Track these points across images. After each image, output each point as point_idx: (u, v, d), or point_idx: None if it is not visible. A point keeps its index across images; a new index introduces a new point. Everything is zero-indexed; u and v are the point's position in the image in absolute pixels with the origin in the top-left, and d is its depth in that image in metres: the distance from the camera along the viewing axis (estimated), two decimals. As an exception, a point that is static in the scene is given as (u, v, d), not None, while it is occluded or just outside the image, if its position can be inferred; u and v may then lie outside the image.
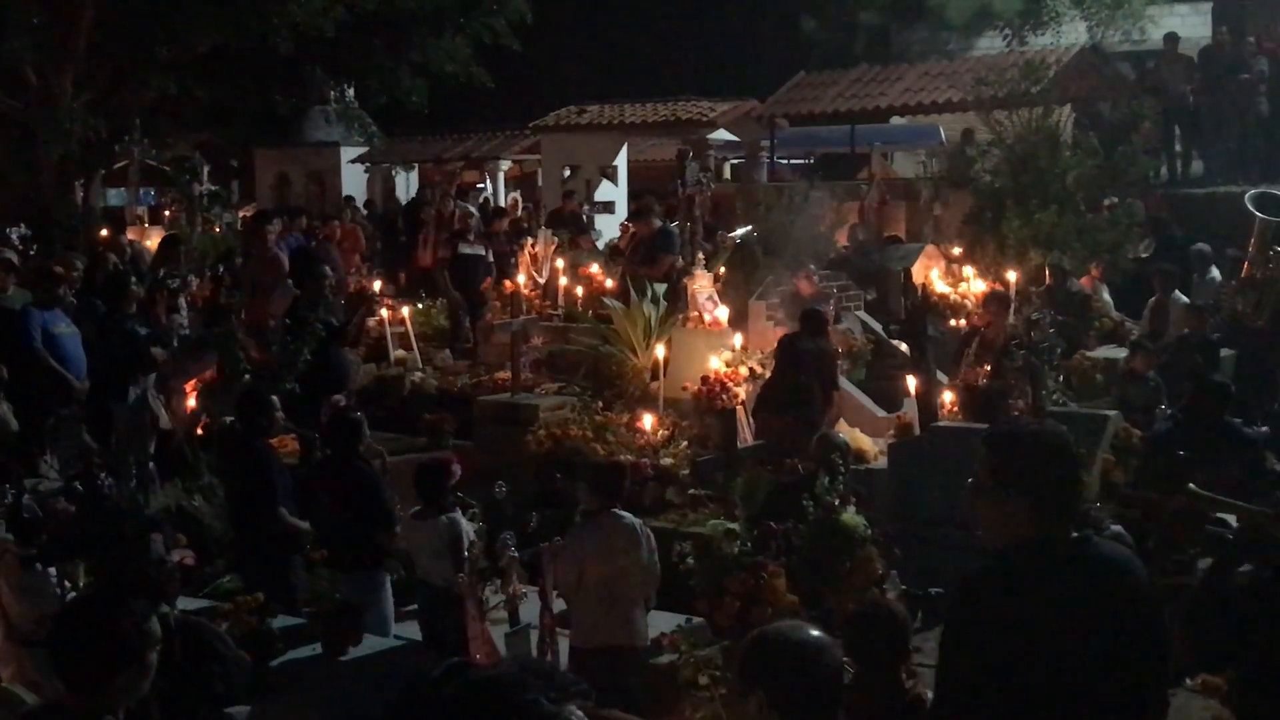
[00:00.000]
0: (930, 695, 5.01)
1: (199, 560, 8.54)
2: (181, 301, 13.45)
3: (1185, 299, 13.88)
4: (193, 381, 11.66)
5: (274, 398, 8.80)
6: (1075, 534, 3.82)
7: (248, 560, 8.41)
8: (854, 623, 5.29)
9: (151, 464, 10.26)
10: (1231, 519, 7.47)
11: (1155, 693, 3.77)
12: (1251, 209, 13.21)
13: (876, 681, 5.01)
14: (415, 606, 8.19)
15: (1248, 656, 4.50)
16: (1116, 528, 7.79)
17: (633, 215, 16.79)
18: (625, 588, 7.19)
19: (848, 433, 10.96)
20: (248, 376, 11.08)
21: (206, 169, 22.13)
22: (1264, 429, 10.63)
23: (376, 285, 15.63)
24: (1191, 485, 5.44)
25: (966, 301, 14.23)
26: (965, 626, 3.80)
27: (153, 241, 17.96)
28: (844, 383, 12.07)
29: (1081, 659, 3.63)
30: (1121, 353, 12.65)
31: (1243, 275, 13.37)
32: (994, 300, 12.41)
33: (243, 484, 8.53)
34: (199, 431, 10.95)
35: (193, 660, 5.65)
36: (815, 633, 3.71)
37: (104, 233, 17.85)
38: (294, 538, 8.38)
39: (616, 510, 7.36)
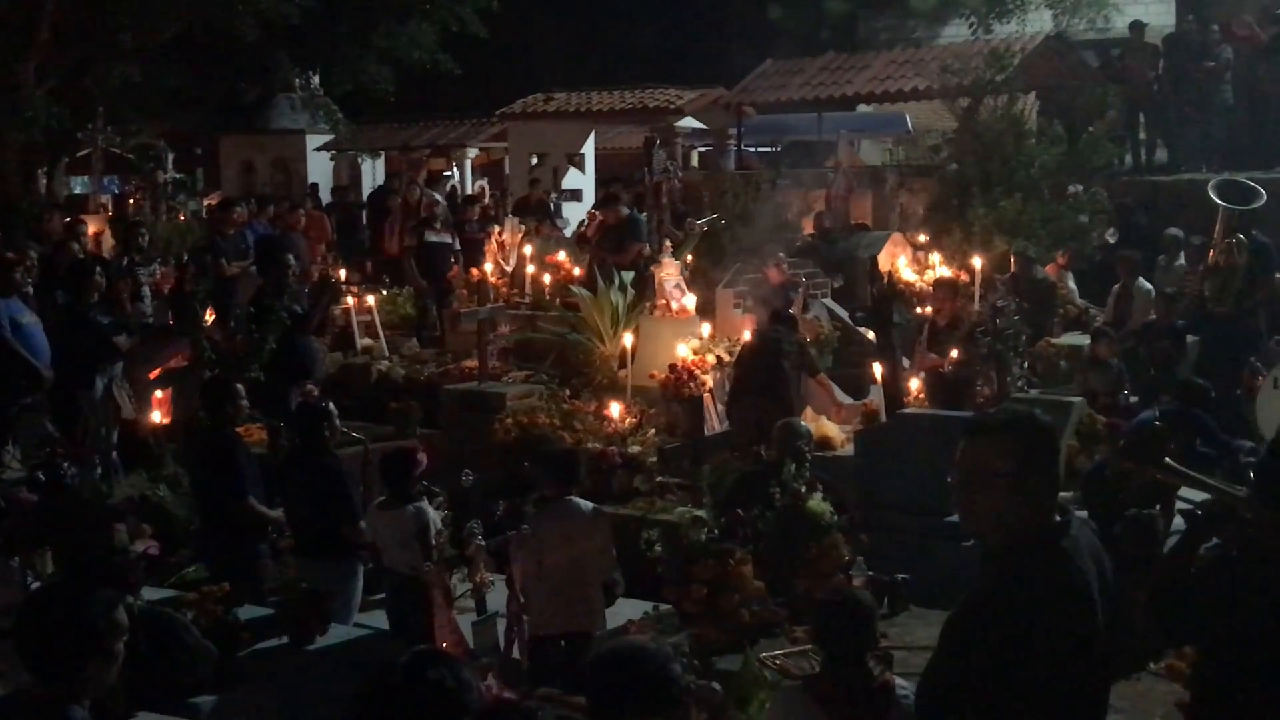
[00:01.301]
0: (899, 681, 5.05)
1: (164, 550, 8.50)
2: (145, 290, 13.37)
3: (1149, 286, 13.97)
4: (157, 370, 11.61)
5: (239, 386, 8.75)
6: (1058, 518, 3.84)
7: (214, 550, 8.38)
8: (820, 612, 5.30)
9: (115, 453, 10.20)
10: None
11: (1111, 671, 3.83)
12: (1214, 198, 13.29)
13: (844, 669, 5.04)
14: (382, 595, 8.17)
15: (1208, 636, 4.53)
16: (1081, 513, 7.87)
17: (600, 203, 16.79)
18: (583, 573, 7.21)
19: (815, 421, 11.01)
20: (211, 367, 11.01)
21: (171, 157, 22.06)
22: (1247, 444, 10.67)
23: (342, 273, 15.58)
24: (1168, 459, 5.45)
25: (932, 289, 14.28)
26: (989, 609, 3.68)
27: (115, 230, 17.81)
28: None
29: (1081, 639, 3.65)
30: (1085, 340, 12.73)
31: (1208, 262, 13.46)
32: (941, 287, 12.47)
33: (209, 473, 8.49)
34: (164, 421, 10.89)
35: (158, 650, 5.63)
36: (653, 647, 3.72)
37: (65, 221, 17.67)
38: (262, 526, 8.35)
39: (572, 497, 7.38)
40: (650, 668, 3.50)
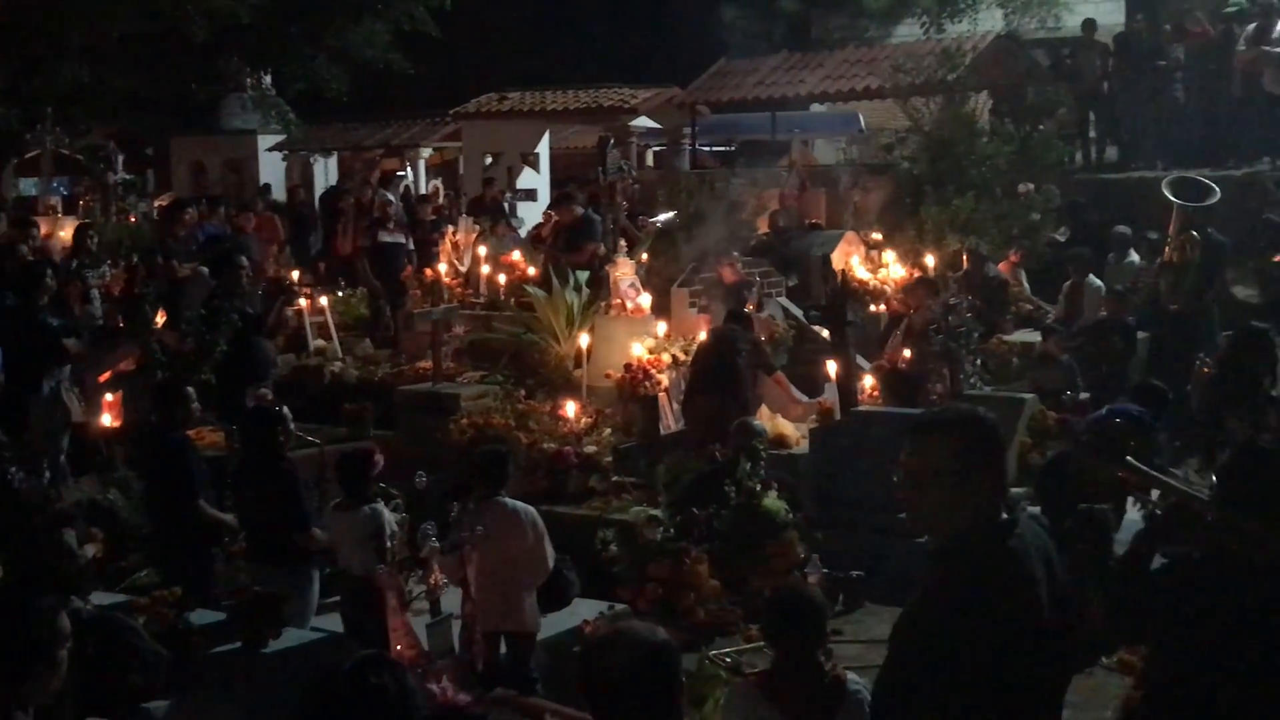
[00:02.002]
0: (850, 675, 5.06)
1: (115, 554, 8.43)
2: (94, 292, 13.24)
3: (1099, 283, 14.07)
4: (108, 374, 11.49)
5: (190, 389, 8.68)
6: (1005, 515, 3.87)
7: (166, 554, 8.31)
8: (770, 608, 5.33)
9: (63, 457, 10.10)
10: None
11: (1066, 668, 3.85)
12: (1169, 195, 13.40)
13: (795, 665, 5.05)
14: (338, 598, 8.13)
15: (1164, 637, 4.55)
16: (1034, 509, 7.91)
17: (554, 202, 16.77)
18: (512, 573, 7.21)
19: (770, 419, 11.03)
20: (161, 369, 10.91)
21: (121, 158, 21.80)
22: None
23: (294, 274, 15.48)
24: (1130, 459, 5.47)
25: (886, 287, 14.34)
26: (936, 608, 3.71)
27: (66, 232, 17.64)
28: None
29: (1030, 637, 3.67)
30: (1038, 337, 12.81)
31: (1163, 258, 13.57)
32: (922, 285, 12.52)
33: (160, 477, 8.41)
34: (115, 424, 10.79)
35: (107, 655, 5.57)
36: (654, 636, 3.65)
37: (10, 223, 17.50)
38: (214, 530, 8.28)
39: (501, 497, 7.37)
40: (655, 653, 3.50)
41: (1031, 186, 16.10)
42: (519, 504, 7.49)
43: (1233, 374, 9.60)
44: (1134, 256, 14.85)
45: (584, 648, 3.65)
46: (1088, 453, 7.95)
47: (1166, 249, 13.57)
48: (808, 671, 5.03)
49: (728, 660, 6.92)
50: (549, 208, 17.99)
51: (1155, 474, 4.92)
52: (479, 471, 7.55)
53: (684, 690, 3.73)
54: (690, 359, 11.67)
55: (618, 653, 3.47)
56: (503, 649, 7.28)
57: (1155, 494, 4.88)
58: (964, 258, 14.32)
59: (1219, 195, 13.45)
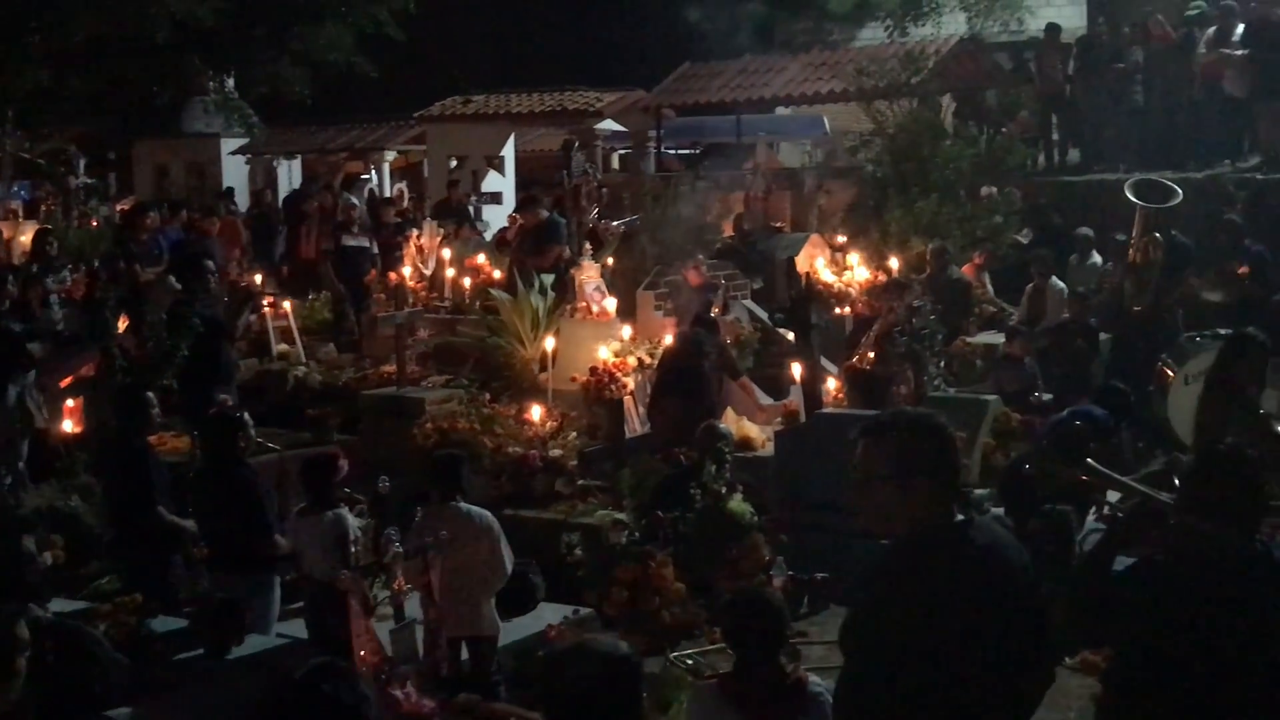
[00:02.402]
0: (811, 678, 5.08)
1: (76, 561, 8.36)
2: (54, 298, 13.13)
3: (1062, 285, 14.14)
4: (69, 379, 11.40)
5: (150, 395, 8.62)
6: (960, 517, 3.89)
7: (127, 560, 8.25)
8: (729, 611, 5.34)
9: (21, 464, 10.01)
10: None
11: (1035, 667, 3.85)
12: (1131, 197, 13.47)
13: (755, 667, 5.06)
14: (301, 604, 8.09)
15: (1127, 639, 4.57)
16: (997, 510, 7.95)
17: (519, 206, 16.74)
18: (468, 578, 7.19)
19: (735, 422, 11.04)
20: (122, 375, 10.83)
21: (83, 161, 21.70)
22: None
23: (257, 278, 15.40)
24: (1090, 460, 5.51)
25: (851, 290, 14.37)
26: (879, 611, 3.83)
27: (26, 237, 17.51)
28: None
29: (979, 637, 3.70)
30: (1001, 339, 12.86)
31: (1127, 260, 13.64)
32: (895, 288, 12.56)
33: (120, 483, 8.35)
34: (76, 430, 10.71)
35: (68, 663, 5.52)
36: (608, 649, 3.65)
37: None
38: (174, 536, 8.22)
39: (457, 502, 7.36)
40: (616, 667, 3.48)
41: (994, 190, 16.17)
42: (474, 509, 7.47)
43: (1220, 384, 9.59)
44: (1096, 258, 14.92)
45: (544, 661, 3.64)
46: (1048, 455, 7.99)
47: (1130, 250, 13.64)
48: (768, 674, 5.03)
49: (688, 662, 6.92)
50: (514, 211, 17.96)
51: (1115, 475, 4.95)
52: (435, 476, 7.53)
53: (645, 699, 3.73)
54: (656, 363, 11.67)
55: (579, 666, 3.46)
56: (464, 654, 7.26)
57: (1117, 496, 4.91)
58: (929, 258, 14.37)
59: (1181, 197, 13.53)
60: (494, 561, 7.33)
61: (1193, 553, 4.38)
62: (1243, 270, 13.47)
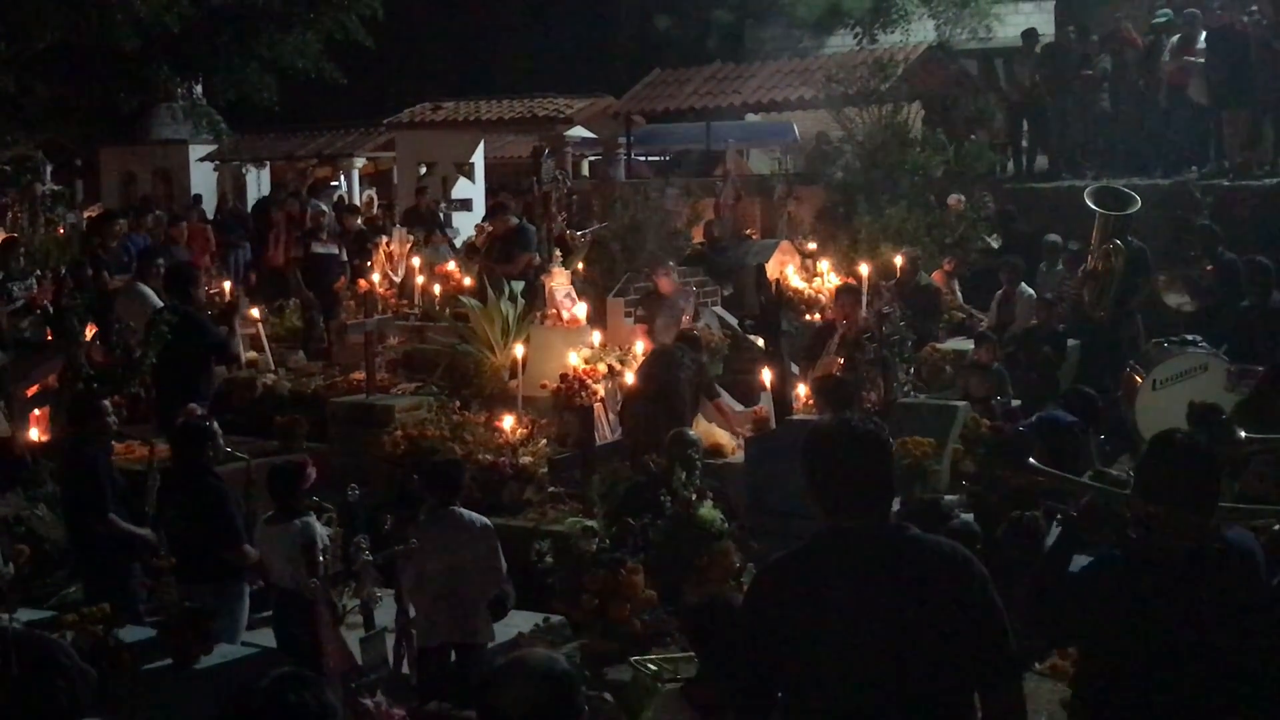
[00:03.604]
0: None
1: (42, 570, 8.30)
2: (19, 305, 13.03)
3: (1031, 291, 14.20)
4: (35, 387, 11.32)
5: (105, 403, 8.56)
6: (888, 524, 3.93)
7: (86, 569, 8.19)
8: (692, 616, 5.35)
9: (-13, 472, 9.94)
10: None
11: (993, 673, 3.85)
12: (1091, 204, 13.56)
13: (717, 673, 5.07)
14: (269, 613, 8.04)
15: (1092, 638, 4.59)
16: (966, 517, 7.96)
17: (489, 213, 16.72)
18: (466, 585, 7.19)
19: (705, 428, 11.04)
20: (88, 383, 10.74)
21: (49, 168, 21.56)
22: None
23: (226, 285, 15.32)
24: (1032, 460, 5.52)
25: (821, 296, 14.41)
26: (753, 615, 4.01)
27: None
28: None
29: (882, 647, 3.73)
30: (970, 345, 12.91)
31: (1086, 268, 13.73)
32: (847, 294, 12.59)
33: (73, 491, 8.31)
34: (43, 438, 10.62)
35: (32, 673, 5.47)
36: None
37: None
38: (130, 545, 8.16)
39: (456, 508, 7.35)
40: (551, 684, 3.44)
41: (962, 198, 16.24)
42: (473, 514, 7.49)
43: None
44: (1061, 265, 15.00)
45: (482, 679, 3.61)
46: (993, 462, 8.03)
47: (1090, 258, 13.72)
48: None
49: (651, 668, 6.90)
50: (483, 218, 17.94)
51: (1063, 474, 4.97)
52: (434, 482, 7.52)
53: (614, 706, 3.73)
54: (636, 371, 11.65)
55: (516, 684, 3.43)
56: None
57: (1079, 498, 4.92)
58: (900, 263, 14.40)
59: (1139, 205, 13.63)
60: (490, 568, 7.32)
61: (1148, 544, 4.39)
62: (1208, 269, 13.57)
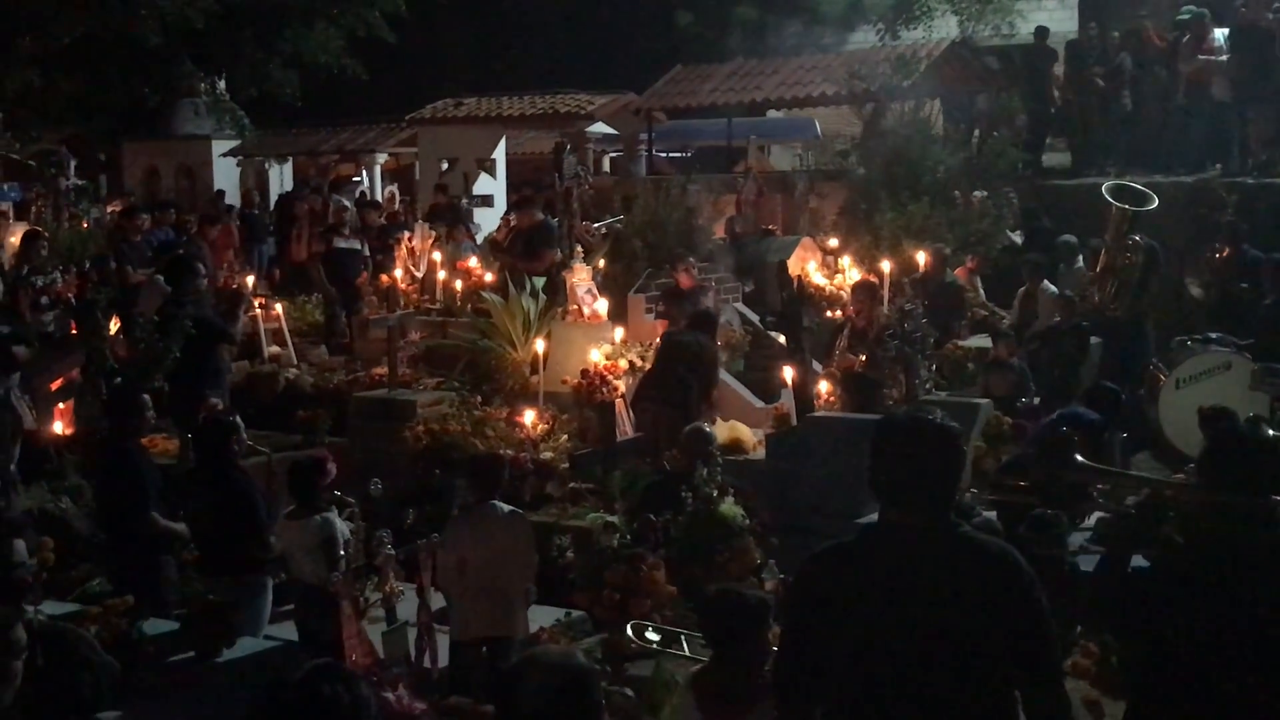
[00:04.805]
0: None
1: (66, 563, 8.33)
2: (44, 299, 13.09)
3: (1054, 289, 14.15)
4: (59, 381, 11.36)
5: (145, 397, 8.60)
6: (943, 520, 3.90)
7: (118, 563, 8.22)
8: (707, 609, 5.34)
9: (13, 466, 9.98)
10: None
11: (1038, 674, 3.85)
12: (1109, 199, 13.50)
13: (732, 665, 5.07)
14: (291, 607, 8.07)
15: (1156, 635, 4.54)
16: (988, 514, 7.94)
17: (515, 205, 16.71)
18: (504, 579, 7.20)
19: (727, 425, 11.04)
20: (109, 377, 10.80)
21: (73, 163, 21.61)
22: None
23: (249, 281, 15.37)
24: (1079, 457, 5.47)
25: (842, 293, 14.37)
26: (799, 604, 4.02)
27: (16, 238, 17.46)
28: (725, 376, 12.10)
29: (927, 642, 3.74)
30: (991, 342, 12.87)
31: (1100, 265, 13.66)
32: (862, 290, 12.57)
33: (112, 486, 8.33)
34: (67, 432, 10.68)
35: (56, 665, 5.50)
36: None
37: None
38: (166, 540, 8.21)
39: (495, 502, 7.38)
40: (567, 679, 3.45)
41: (983, 194, 16.19)
42: (512, 509, 7.53)
43: None
44: (1080, 263, 14.95)
45: (499, 676, 3.62)
46: (1038, 467, 7.97)
47: (1103, 255, 13.66)
48: (745, 672, 5.02)
49: (651, 636, 6.86)
50: (509, 210, 17.94)
51: (1112, 470, 4.94)
52: (474, 477, 7.54)
53: (634, 702, 3.74)
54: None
55: (533, 680, 3.44)
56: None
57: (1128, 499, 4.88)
58: (924, 257, 14.35)
59: (1156, 202, 13.57)
60: (526, 562, 7.34)
61: (1213, 535, 4.36)
62: (1224, 254, 13.54)
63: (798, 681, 3.98)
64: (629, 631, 6.92)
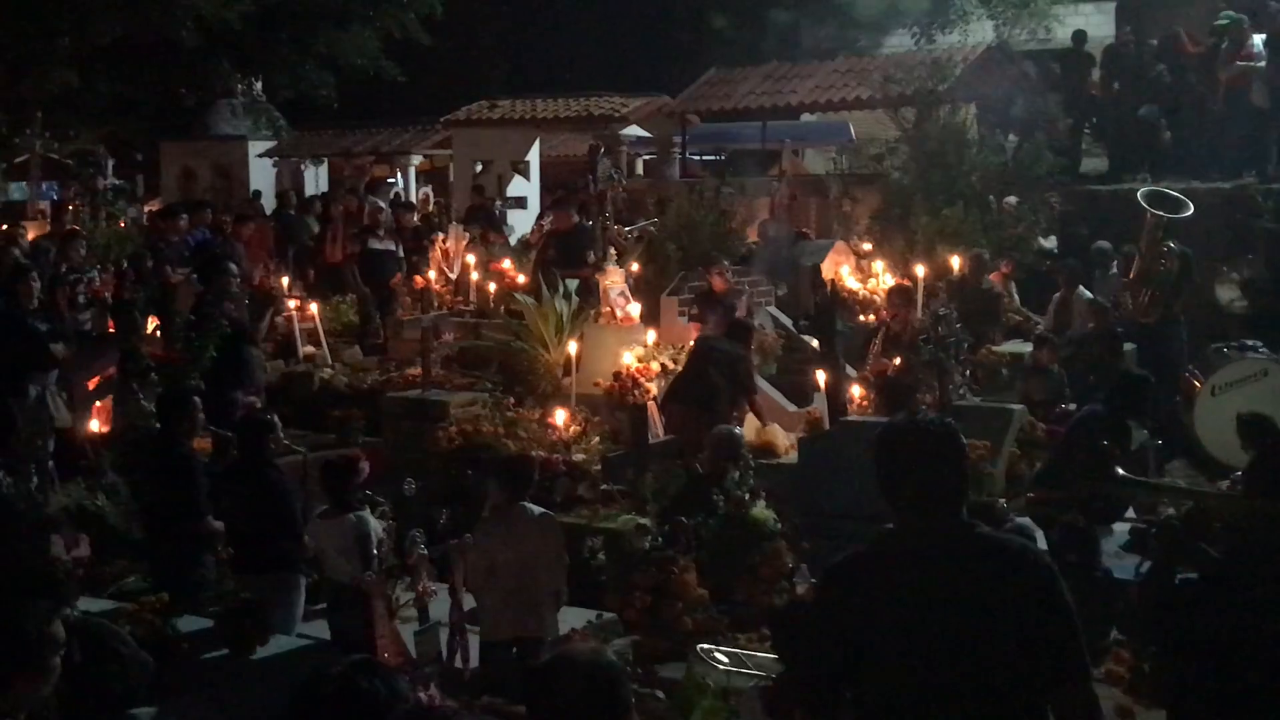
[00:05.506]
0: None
1: (102, 559, 8.39)
2: (81, 297, 13.19)
3: (1089, 295, 14.08)
4: (96, 379, 11.45)
5: (197, 399, 8.64)
6: (958, 522, 3.90)
7: (161, 562, 8.25)
8: (775, 618, 5.33)
9: (51, 463, 10.06)
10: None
11: (1064, 670, 3.82)
12: (1144, 205, 13.42)
13: (796, 676, 5.06)
14: (323, 605, 8.11)
15: (1193, 652, 4.52)
16: (1021, 520, 7.91)
17: (555, 203, 16.73)
18: (534, 579, 7.21)
19: (760, 428, 11.03)
20: (140, 377, 10.87)
21: (110, 163, 21.76)
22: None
23: (284, 281, 15.46)
24: (1119, 469, 5.44)
25: (876, 297, 14.36)
26: (823, 614, 4.03)
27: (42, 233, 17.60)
28: (760, 382, 12.09)
29: (952, 644, 3.73)
30: (1027, 347, 12.82)
31: (1134, 271, 13.59)
32: (898, 294, 12.57)
33: (166, 489, 8.36)
34: (103, 429, 10.75)
35: (91, 661, 5.54)
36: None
37: (3, 227, 17.53)
38: (209, 539, 8.27)
39: (526, 503, 7.38)
40: (597, 677, 3.46)
41: (1015, 200, 16.12)
42: (542, 510, 7.52)
43: None
44: (1115, 270, 14.88)
45: (529, 673, 3.63)
46: (1082, 480, 7.93)
47: (1137, 261, 13.58)
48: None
49: (720, 659, 6.89)
50: (548, 208, 17.96)
51: (1155, 482, 4.91)
52: (506, 477, 7.56)
53: (663, 703, 3.74)
54: (682, 366, 11.68)
55: (562, 677, 3.45)
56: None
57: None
58: (963, 263, 14.30)
59: (1192, 209, 13.48)
60: (557, 563, 7.35)
61: (1259, 545, 4.34)
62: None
63: (824, 693, 3.98)
64: (698, 652, 6.93)
